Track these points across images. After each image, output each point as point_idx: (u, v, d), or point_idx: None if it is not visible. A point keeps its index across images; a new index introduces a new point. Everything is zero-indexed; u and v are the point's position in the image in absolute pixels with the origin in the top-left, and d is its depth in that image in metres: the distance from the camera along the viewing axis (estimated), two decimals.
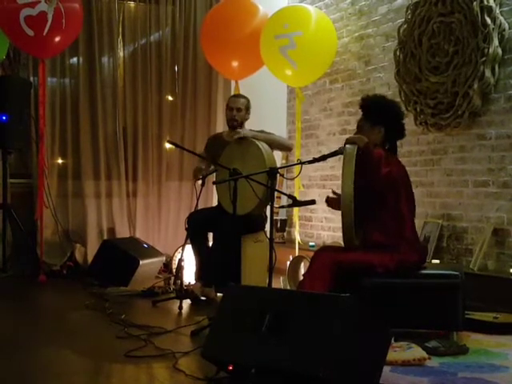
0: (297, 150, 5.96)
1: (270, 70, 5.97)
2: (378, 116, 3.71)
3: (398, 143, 3.86)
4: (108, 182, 6.37)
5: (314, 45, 5.74)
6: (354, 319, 2.63)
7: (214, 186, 5.26)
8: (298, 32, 5.68)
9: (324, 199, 3.96)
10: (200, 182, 4.75)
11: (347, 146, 3.51)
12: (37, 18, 5.36)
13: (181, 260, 4.78)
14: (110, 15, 6.35)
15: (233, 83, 6.35)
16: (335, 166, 6.08)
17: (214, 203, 5.65)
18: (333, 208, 3.96)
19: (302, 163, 3.76)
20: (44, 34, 5.39)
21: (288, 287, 5.11)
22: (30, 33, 5.38)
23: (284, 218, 6.72)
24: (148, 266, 5.54)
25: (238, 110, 4.89)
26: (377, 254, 3.50)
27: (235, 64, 6.05)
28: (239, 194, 3.96)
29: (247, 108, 4.94)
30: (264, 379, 2.62)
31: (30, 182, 6.13)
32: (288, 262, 5.34)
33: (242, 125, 4.90)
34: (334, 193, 3.93)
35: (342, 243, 3.67)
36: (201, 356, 2.91)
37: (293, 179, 6.11)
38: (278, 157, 5.95)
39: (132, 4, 6.51)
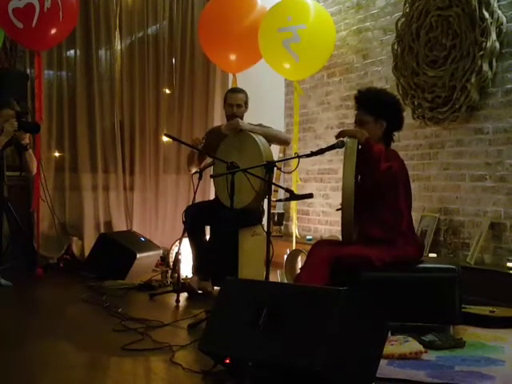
0: (294, 144, 5.96)
1: (269, 63, 5.95)
2: (381, 110, 3.68)
3: (395, 137, 3.86)
4: (105, 175, 6.35)
5: (317, 38, 5.71)
6: (352, 313, 2.63)
7: (212, 180, 5.25)
8: (302, 25, 5.64)
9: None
10: (194, 170, 4.82)
11: (348, 139, 3.49)
12: (24, 10, 5.33)
13: (178, 253, 4.77)
14: (108, 8, 6.32)
15: (230, 76, 6.32)
16: (333, 159, 6.08)
17: (212, 196, 5.64)
18: None
19: (299, 157, 3.75)
20: (33, 25, 5.35)
21: (285, 281, 5.11)
22: (19, 25, 5.35)
23: (281, 211, 6.72)
24: (145, 259, 5.54)
25: (239, 106, 4.86)
26: (374, 248, 3.51)
27: (233, 57, 6.03)
28: (236, 187, 3.95)
29: (246, 102, 4.92)
30: (261, 373, 2.62)
31: (27, 175, 6.10)
32: (285, 256, 5.35)
33: (241, 119, 4.88)
34: None
35: (340, 237, 3.67)
36: (198, 349, 2.90)
37: (290, 173, 6.10)
38: (276, 150, 5.94)
39: None
